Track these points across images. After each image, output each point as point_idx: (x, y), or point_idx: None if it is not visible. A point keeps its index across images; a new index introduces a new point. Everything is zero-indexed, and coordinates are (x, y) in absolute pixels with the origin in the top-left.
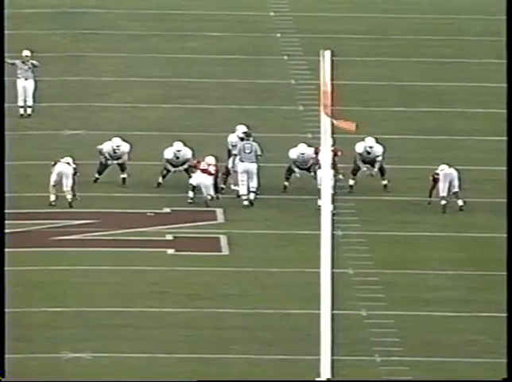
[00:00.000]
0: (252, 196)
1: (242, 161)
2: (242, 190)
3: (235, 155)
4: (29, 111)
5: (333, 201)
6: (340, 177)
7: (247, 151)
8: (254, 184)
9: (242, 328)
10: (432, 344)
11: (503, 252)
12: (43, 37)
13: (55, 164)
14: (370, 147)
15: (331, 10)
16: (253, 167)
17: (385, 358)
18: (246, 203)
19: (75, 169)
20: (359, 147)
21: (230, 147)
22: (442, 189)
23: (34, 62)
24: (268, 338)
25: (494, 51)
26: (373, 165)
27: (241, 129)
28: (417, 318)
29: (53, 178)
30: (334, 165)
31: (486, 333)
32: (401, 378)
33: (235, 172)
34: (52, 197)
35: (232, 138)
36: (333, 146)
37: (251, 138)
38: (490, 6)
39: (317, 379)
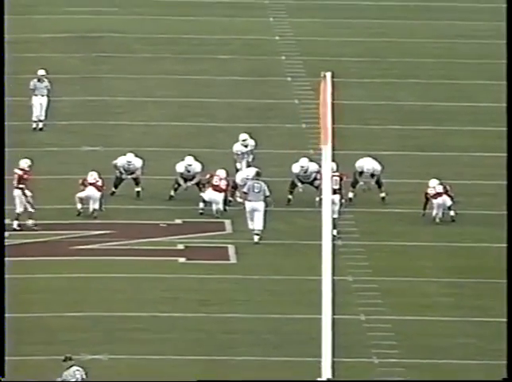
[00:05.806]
0: (256, 238)
1: (250, 201)
2: (251, 225)
3: (238, 170)
4: (40, 125)
5: (335, 226)
6: (343, 201)
7: (256, 191)
8: (259, 226)
9: (249, 332)
10: (427, 347)
11: (493, 261)
12: (62, 60)
13: (83, 183)
14: (368, 169)
15: (332, 35)
16: (259, 206)
17: (382, 360)
18: (256, 239)
19: (102, 184)
20: (359, 166)
21: (235, 157)
22: (436, 213)
23: (47, 85)
24: (273, 341)
25: (486, 73)
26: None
27: (242, 137)
28: (413, 323)
29: (79, 206)
30: (340, 190)
31: (476, 337)
32: (399, 379)
33: (242, 186)
34: (79, 206)
35: (237, 147)
36: (337, 171)
37: (260, 178)
38: (482, 31)
39: (318, 379)
